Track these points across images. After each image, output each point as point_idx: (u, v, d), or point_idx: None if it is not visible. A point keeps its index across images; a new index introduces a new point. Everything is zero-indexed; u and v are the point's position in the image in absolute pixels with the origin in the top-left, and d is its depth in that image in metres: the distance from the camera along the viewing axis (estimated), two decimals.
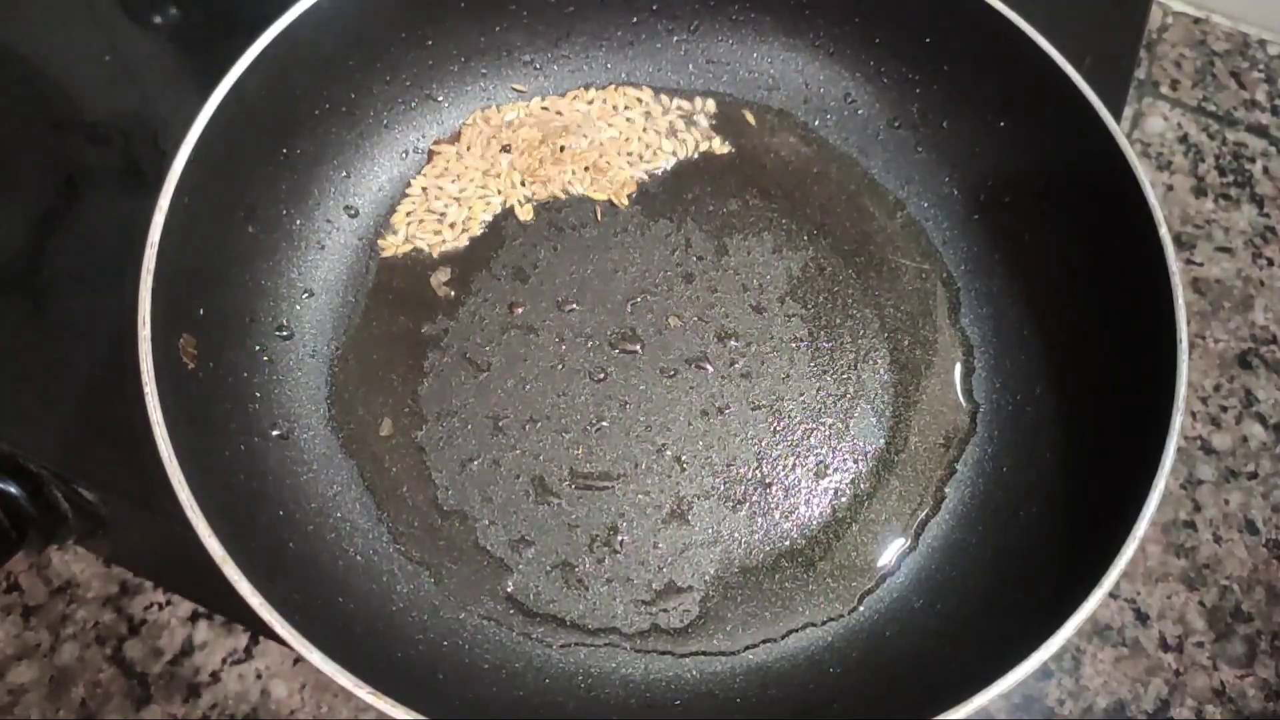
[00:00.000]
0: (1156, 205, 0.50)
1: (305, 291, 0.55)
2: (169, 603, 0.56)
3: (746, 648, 0.49)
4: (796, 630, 0.50)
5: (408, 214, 0.59)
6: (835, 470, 0.53)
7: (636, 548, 0.51)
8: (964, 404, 0.56)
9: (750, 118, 0.63)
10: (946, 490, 0.53)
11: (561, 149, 0.61)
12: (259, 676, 0.55)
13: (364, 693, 0.39)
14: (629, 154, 0.61)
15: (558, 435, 0.53)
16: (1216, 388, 0.65)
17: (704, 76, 0.64)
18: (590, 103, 0.63)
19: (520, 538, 0.51)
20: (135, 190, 0.58)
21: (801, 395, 0.55)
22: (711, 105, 0.63)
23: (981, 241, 0.59)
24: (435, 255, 0.58)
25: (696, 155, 0.62)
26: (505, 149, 0.61)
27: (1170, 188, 0.72)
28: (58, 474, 0.51)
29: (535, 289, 0.57)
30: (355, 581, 0.48)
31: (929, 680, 0.46)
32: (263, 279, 0.54)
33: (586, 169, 0.61)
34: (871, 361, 0.56)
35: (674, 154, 0.62)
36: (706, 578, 0.51)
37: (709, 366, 0.56)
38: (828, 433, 0.54)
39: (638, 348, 0.56)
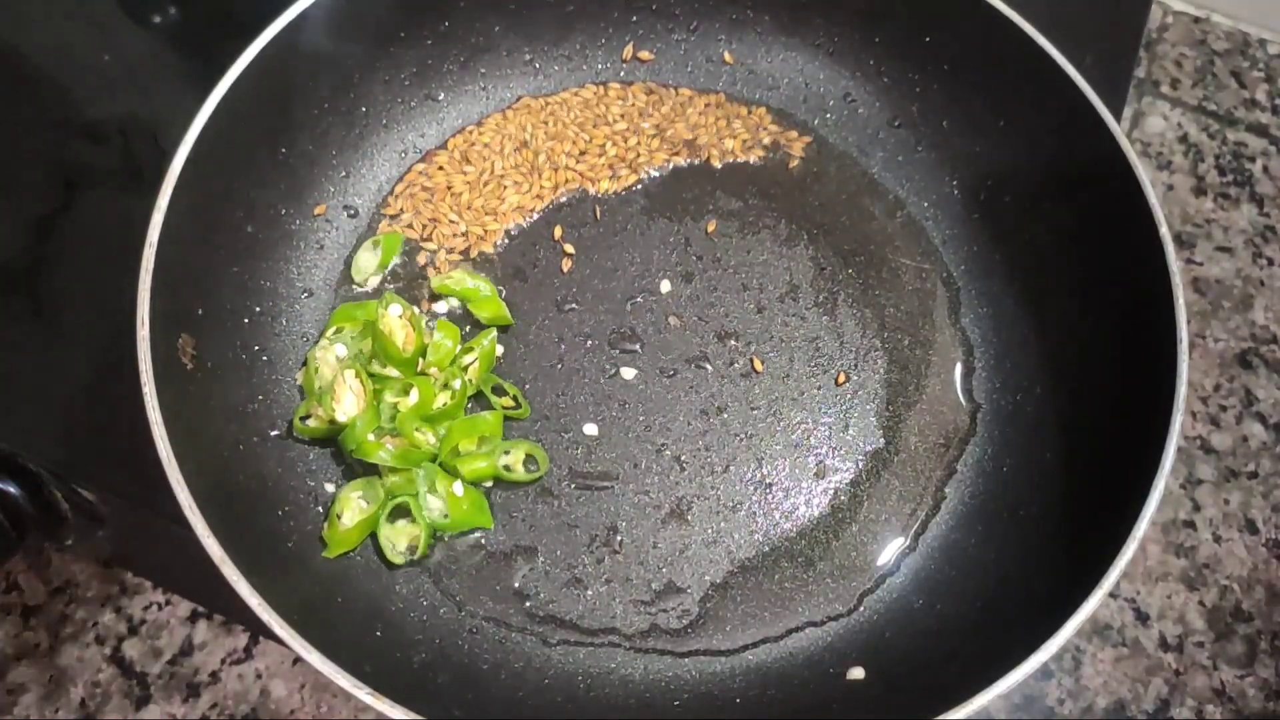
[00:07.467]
0: (1157, 204, 0.50)
1: (305, 291, 0.55)
2: (168, 602, 0.56)
3: (746, 647, 0.49)
4: (796, 630, 0.50)
5: (407, 214, 0.59)
6: (834, 470, 0.53)
7: (636, 548, 0.51)
8: (964, 404, 0.56)
9: (750, 117, 0.63)
10: (946, 490, 0.53)
11: (560, 148, 0.61)
12: (259, 676, 0.55)
13: (363, 693, 0.39)
14: (628, 153, 0.61)
15: (557, 435, 0.53)
16: (1216, 387, 0.65)
17: (703, 76, 0.64)
18: (589, 102, 0.63)
19: (519, 538, 0.51)
20: (135, 190, 0.58)
21: (801, 395, 0.55)
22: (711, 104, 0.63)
23: (982, 241, 0.59)
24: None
25: (696, 154, 0.62)
26: (503, 150, 0.61)
27: (1170, 187, 0.72)
28: (57, 474, 0.51)
29: (534, 289, 0.57)
30: (355, 581, 0.48)
31: (929, 680, 0.46)
32: (262, 279, 0.54)
33: (585, 168, 0.60)
34: (871, 361, 0.56)
35: (673, 153, 0.62)
36: (706, 578, 0.51)
37: (709, 366, 0.56)
38: (827, 433, 0.54)
39: (637, 348, 0.56)
